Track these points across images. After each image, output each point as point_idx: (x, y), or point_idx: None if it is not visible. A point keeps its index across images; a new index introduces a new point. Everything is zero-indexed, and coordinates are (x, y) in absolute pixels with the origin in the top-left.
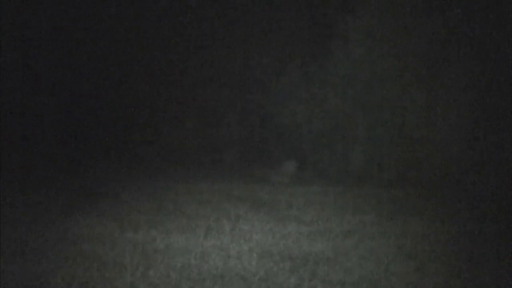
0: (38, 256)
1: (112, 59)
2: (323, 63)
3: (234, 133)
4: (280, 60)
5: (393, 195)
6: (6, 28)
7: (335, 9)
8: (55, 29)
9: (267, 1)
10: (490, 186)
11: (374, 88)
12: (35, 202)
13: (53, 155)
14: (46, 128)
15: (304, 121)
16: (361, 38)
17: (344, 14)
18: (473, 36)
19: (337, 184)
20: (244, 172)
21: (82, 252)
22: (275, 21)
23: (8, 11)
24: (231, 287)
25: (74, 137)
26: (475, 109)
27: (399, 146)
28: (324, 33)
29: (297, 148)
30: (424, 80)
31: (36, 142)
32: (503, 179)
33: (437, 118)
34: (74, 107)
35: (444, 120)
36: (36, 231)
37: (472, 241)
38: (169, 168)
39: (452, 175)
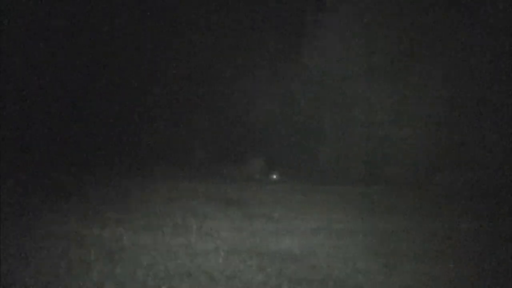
0: (3, 254)
1: (86, 57)
2: (293, 60)
3: (202, 131)
4: (250, 58)
5: (361, 193)
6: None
7: (306, 7)
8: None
9: None
10: (459, 183)
11: (343, 86)
12: (1, 201)
13: (19, 152)
14: (15, 126)
15: (273, 119)
16: (331, 36)
17: (314, 12)
18: (442, 35)
19: (306, 182)
20: (212, 170)
21: (49, 249)
22: (245, 19)
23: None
24: (198, 285)
25: (43, 137)
26: (444, 107)
27: (367, 143)
28: (295, 31)
29: (266, 146)
30: (393, 78)
31: (5, 140)
32: (472, 176)
33: (405, 116)
34: (48, 106)
35: (412, 118)
36: (1, 229)
37: (441, 238)
38: (136, 166)
39: (420, 173)
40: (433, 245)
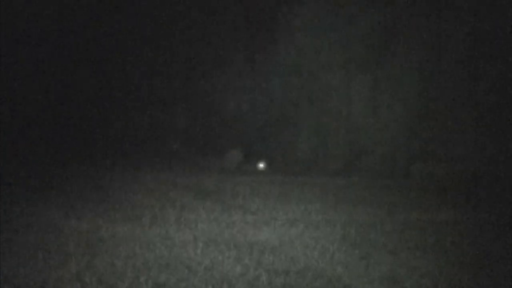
0: None
1: (65, 51)
2: (269, 52)
3: (179, 122)
4: (225, 49)
5: (338, 184)
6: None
7: None
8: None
9: None
10: (436, 174)
11: (319, 77)
12: None
13: None
14: None
15: (249, 110)
16: (307, 27)
17: (289, 3)
18: (418, 26)
19: (283, 173)
20: (190, 161)
21: (27, 241)
22: (219, 10)
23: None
24: (176, 276)
25: (21, 128)
26: (420, 98)
27: (345, 135)
28: (270, 22)
29: (243, 137)
30: (370, 69)
31: None
32: (450, 167)
33: (382, 107)
34: (26, 101)
35: (389, 109)
36: None
37: (417, 230)
38: (114, 157)
39: (397, 164)
40: (412, 236)
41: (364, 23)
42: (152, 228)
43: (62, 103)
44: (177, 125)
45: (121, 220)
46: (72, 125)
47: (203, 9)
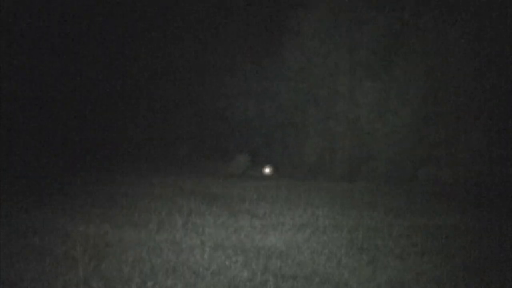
0: None
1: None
2: (276, 57)
3: (186, 127)
4: (233, 54)
5: (345, 189)
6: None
7: (287, 3)
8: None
9: None
10: (443, 179)
11: (326, 82)
12: None
13: (5, 149)
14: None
15: (256, 115)
16: (313, 32)
17: (296, 8)
18: (425, 30)
19: (290, 178)
20: (197, 166)
21: (34, 246)
22: (227, 15)
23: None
24: (183, 281)
25: (27, 133)
26: (427, 103)
27: (351, 139)
28: (277, 27)
29: (250, 142)
30: (377, 74)
31: None
32: (455, 172)
33: (389, 112)
34: (33, 106)
35: (396, 114)
36: None
37: (424, 234)
38: (121, 162)
39: (404, 169)
40: (418, 241)
41: (371, 29)
42: (159, 233)
43: (69, 108)
44: (184, 130)
45: (128, 225)
46: (79, 131)
47: (211, 15)
